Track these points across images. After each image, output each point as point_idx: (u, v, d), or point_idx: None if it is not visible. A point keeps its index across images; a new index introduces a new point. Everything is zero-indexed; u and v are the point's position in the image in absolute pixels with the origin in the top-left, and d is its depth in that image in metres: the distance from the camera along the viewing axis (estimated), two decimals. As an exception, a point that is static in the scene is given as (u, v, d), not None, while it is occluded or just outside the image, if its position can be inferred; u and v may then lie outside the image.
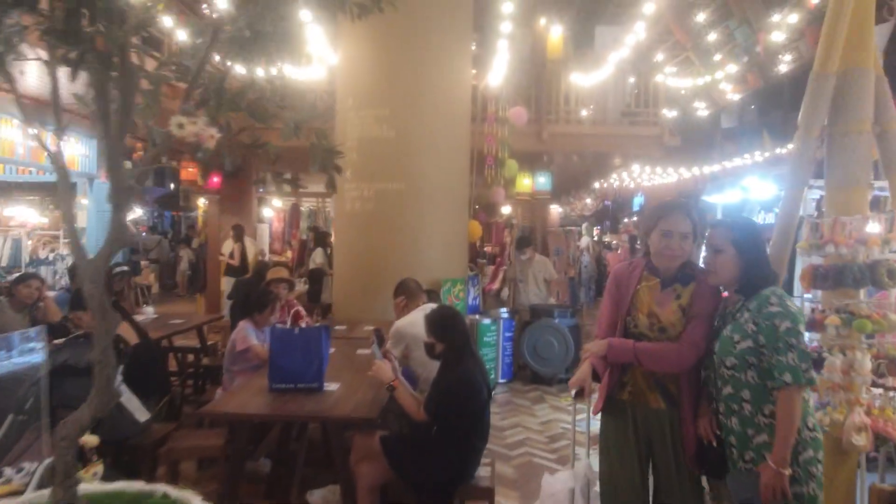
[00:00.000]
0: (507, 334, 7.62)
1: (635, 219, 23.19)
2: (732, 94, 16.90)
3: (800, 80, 12.60)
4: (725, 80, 15.08)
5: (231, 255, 10.40)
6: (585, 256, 13.12)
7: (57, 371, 3.35)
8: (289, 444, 4.14)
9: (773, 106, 16.57)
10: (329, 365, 3.87)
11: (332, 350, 4.74)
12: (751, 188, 4.69)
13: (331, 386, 3.57)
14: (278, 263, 6.77)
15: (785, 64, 14.86)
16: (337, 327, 6.22)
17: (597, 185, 15.18)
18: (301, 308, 5.65)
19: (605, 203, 22.75)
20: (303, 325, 5.55)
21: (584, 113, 10.88)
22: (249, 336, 4.43)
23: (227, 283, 10.44)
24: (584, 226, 13.56)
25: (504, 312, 7.66)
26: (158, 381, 3.70)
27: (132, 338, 3.58)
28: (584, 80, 10.19)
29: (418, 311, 4.35)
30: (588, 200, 15.58)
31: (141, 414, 3.30)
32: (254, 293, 4.64)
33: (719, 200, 5.41)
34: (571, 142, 10.93)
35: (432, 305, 4.42)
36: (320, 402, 3.25)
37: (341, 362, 4.40)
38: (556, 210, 12.71)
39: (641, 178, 20.38)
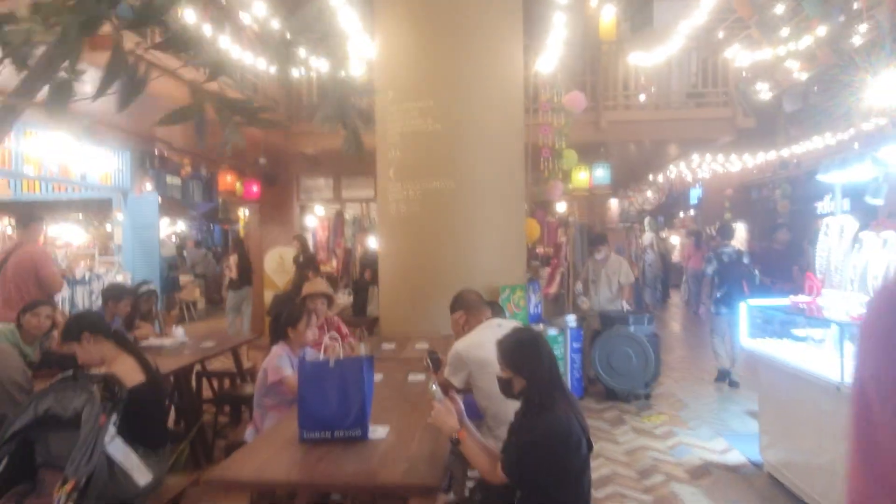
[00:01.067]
0: (576, 345, 6.76)
1: (692, 213, 21.89)
2: (800, 73, 15.56)
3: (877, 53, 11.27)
4: (791, 56, 13.82)
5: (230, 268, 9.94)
6: (649, 254, 12.12)
7: (40, 422, 2.71)
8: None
9: (844, 85, 15.17)
10: (374, 399, 3.14)
11: (378, 377, 4.02)
12: (889, 160, 3.84)
13: (377, 431, 2.81)
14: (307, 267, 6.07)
15: (860, 36, 13.50)
16: (384, 346, 5.50)
17: (660, 176, 14.11)
18: (343, 325, 4.93)
19: (661, 200, 21.51)
20: (347, 344, 4.84)
21: (643, 98, 9.92)
22: (283, 365, 3.73)
23: (231, 298, 9.89)
24: (646, 221, 12.57)
25: (571, 320, 6.81)
26: (160, 431, 3.02)
27: (135, 375, 2.90)
28: (644, 59, 9.23)
29: (482, 328, 3.57)
30: (649, 193, 14.53)
31: (141, 474, 2.61)
32: (286, 309, 3.93)
33: (840, 179, 4.47)
34: (632, 129, 9.99)
35: (499, 322, 3.63)
36: (364, 460, 2.49)
37: (390, 394, 3.65)
38: (615, 205, 11.78)
39: (701, 167, 19.11)
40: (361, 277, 9.03)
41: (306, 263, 9.79)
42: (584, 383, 6.87)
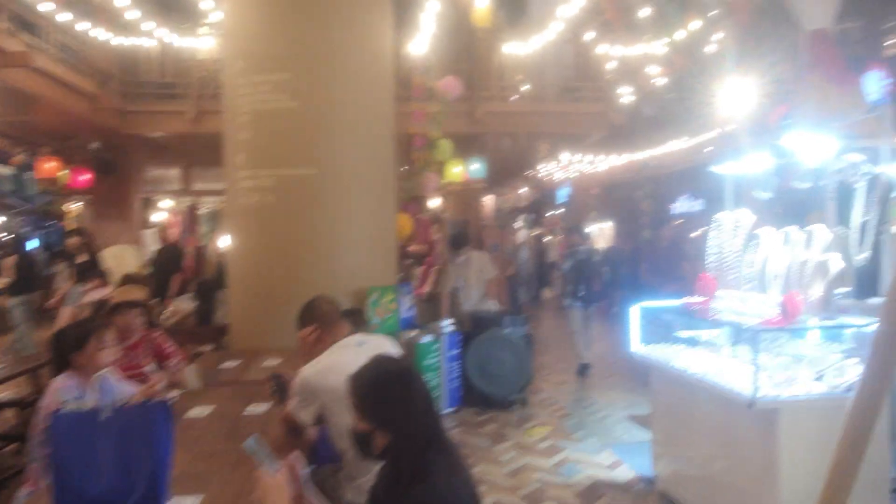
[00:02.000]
0: (453, 352, 6.14)
1: (561, 211, 22.33)
2: (658, 78, 16.15)
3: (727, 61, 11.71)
4: (649, 60, 14.21)
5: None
6: (524, 252, 11.90)
7: None
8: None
9: (697, 93, 15.90)
10: (191, 448, 2.28)
11: (205, 411, 3.13)
12: (794, 147, 3.53)
13: (181, 507, 1.96)
14: (131, 280, 4.98)
15: (714, 43, 14.12)
16: (226, 364, 4.56)
17: (534, 172, 13.99)
18: (168, 342, 3.93)
19: (534, 198, 21.73)
20: (172, 364, 3.86)
21: (525, 88, 9.56)
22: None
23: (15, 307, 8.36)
24: (521, 218, 12.35)
25: (446, 325, 6.18)
26: None
27: None
28: (519, 48, 8.85)
29: (338, 348, 2.80)
30: (523, 190, 14.37)
31: None
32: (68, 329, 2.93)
33: (735, 170, 4.16)
34: (508, 121, 9.62)
35: (360, 339, 2.87)
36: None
37: (215, 438, 2.79)
38: (490, 201, 11.44)
39: (570, 166, 19.47)
40: (206, 279, 7.89)
41: (166, 261, 8.43)
42: (461, 392, 6.27)
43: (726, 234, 4.04)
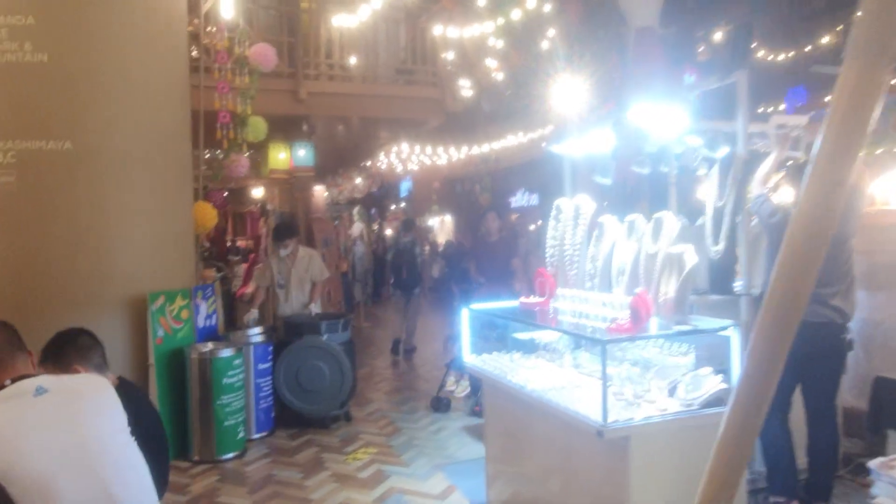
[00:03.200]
0: (263, 366, 5.17)
1: (403, 206, 21.86)
2: (497, 73, 16.09)
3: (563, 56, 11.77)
4: (487, 53, 14.03)
5: None
6: (359, 246, 11.08)
7: None
8: None
9: (532, 89, 16.06)
10: None
11: None
12: (639, 122, 3.05)
13: None
14: None
15: (548, 40, 14.23)
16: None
17: (370, 164, 13.19)
18: None
19: (372, 190, 20.94)
20: None
21: (353, 60, 8.70)
22: None
23: None
24: (355, 210, 11.52)
25: (255, 334, 5.19)
26: None
27: None
28: (348, 21, 7.99)
29: (4, 400, 1.80)
30: (358, 181, 13.53)
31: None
32: None
33: (573, 150, 3.67)
34: (337, 103, 8.71)
35: (39, 385, 1.87)
36: None
37: None
38: (321, 192, 10.49)
39: (411, 159, 18.95)
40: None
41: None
42: (274, 412, 5.32)
43: (566, 223, 3.52)
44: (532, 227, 18.49)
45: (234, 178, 6.31)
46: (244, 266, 9.96)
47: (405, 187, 23.85)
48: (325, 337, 5.29)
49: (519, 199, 22.52)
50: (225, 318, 8.38)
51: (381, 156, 15.55)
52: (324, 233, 10.52)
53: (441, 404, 5.67)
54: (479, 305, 3.72)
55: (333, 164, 12.50)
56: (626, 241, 3.11)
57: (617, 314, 2.78)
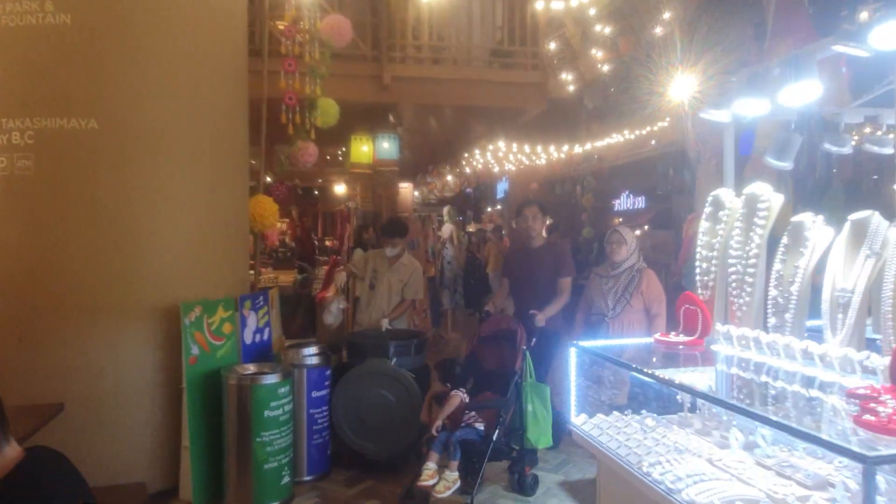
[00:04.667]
0: (318, 393, 4.27)
1: (499, 208, 20.81)
2: (602, 65, 14.65)
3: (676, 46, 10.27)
4: (594, 44, 12.65)
5: None
6: (448, 250, 10.15)
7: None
8: None
9: (641, 81, 14.45)
10: None
11: None
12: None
13: None
14: None
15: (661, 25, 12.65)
16: None
17: (464, 160, 12.22)
18: None
19: (465, 190, 19.99)
20: None
21: (442, 43, 7.75)
22: None
23: None
24: (445, 210, 10.60)
25: (310, 354, 4.29)
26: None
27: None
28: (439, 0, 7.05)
29: None
30: (449, 178, 12.59)
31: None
32: None
33: (743, 112, 2.56)
34: (425, 90, 7.78)
35: None
36: None
37: None
38: (407, 189, 9.66)
39: (507, 157, 17.82)
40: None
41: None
42: (330, 450, 4.40)
43: (731, 225, 2.33)
44: (638, 232, 16.96)
45: (302, 167, 5.48)
46: (325, 269, 9.26)
47: (501, 188, 22.77)
48: (393, 361, 4.31)
49: (623, 203, 20.89)
50: (306, 323, 7.69)
51: (476, 153, 14.56)
52: (411, 234, 9.63)
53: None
54: (588, 343, 2.58)
55: (423, 159, 11.64)
56: (846, 253, 1.89)
57: (855, 382, 1.58)
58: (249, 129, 4.82)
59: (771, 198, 2.17)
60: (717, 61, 10.02)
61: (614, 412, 2.43)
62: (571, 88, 14.92)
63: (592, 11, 13.43)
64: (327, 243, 15.21)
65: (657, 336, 2.41)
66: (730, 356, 2.15)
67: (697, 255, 2.47)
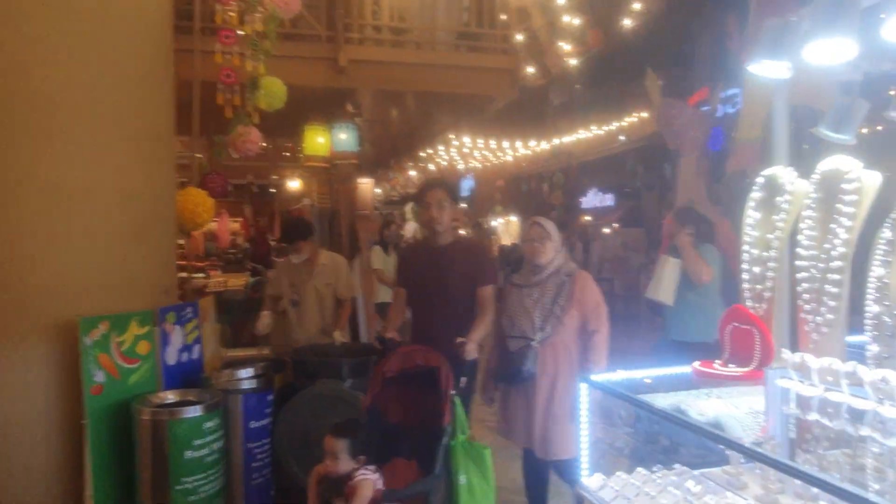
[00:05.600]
0: (258, 423, 3.55)
1: (465, 206, 20.34)
2: (569, 59, 14.13)
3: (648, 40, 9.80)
4: (561, 37, 12.09)
5: None
6: (413, 250, 9.47)
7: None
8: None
9: (609, 75, 13.95)
10: None
11: None
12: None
13: None
14: None
15: (631, 17, 12.14)
16: None
17: (425, 153, 11.56)
18: None
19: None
20: None
21: (403, 24, 7.09)
22: None
23: None
24: (408, 207, 9.89)
25: (247, 377, 3.58)
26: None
27: None
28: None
29: None
30: (413, 173, 11.91)
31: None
32: None
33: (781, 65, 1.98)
34: (385, 74, 7.08)
35: None
36: None
37: None
38: (368, 185, 8.96)
39: (473, 154, 17.24)
40: None
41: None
42: (274, 490, 3.68)
43: (791, 214, 1.73)
44: (607, 230, 16.49)
45: (244, 156, 4.74)
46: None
47: (466, 186, 22.25)
48: (347, 382, 3.62)
49: (591, 200, 20.52)
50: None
51: (441, 148, 13.94)
52: (371, 233, 8.94)
53: None
54: (605, 377, 1.93)
55: (384, 153, 10.94)
56: None
57: None
58: (180, 116, 4.12)
59: (861, 175, 1.57)
60: (699, 49, 9.50)
61: (638, 469, 1.80)
62: (538, 83, 14.34)
63: (561, 1, 12.80)
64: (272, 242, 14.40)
65: (697, 365, 1.79)
66: (806, 397, 1.53)
67: (745, 256, 1.85)
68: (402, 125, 9.45)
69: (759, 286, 1.80)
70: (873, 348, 1.48)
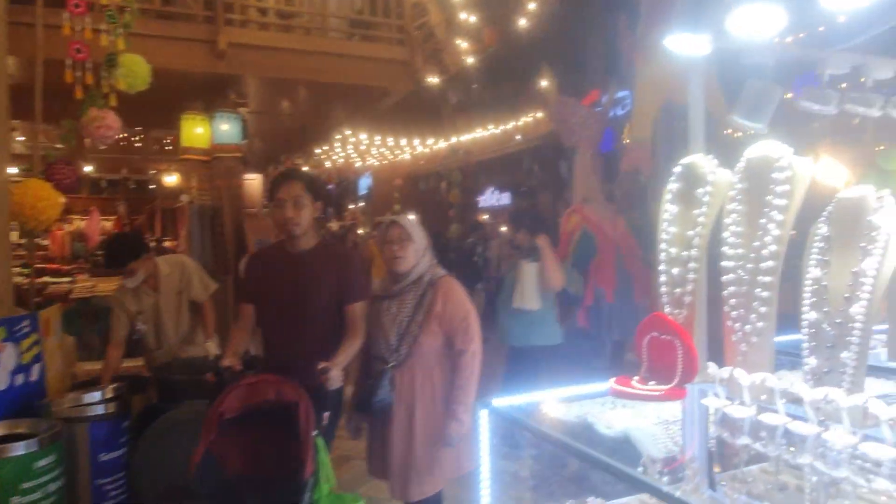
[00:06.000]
0: (109, 456, 3.03)
1: (362, 205, 19.85)
2: (467, 57, 14.06)
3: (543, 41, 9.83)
4: (458, 34, 11.96)
5: None
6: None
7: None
8: None
9: (506, 75, 14.00)
10: None
11: None
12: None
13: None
14: None
15: (527, 17, 12.20)
16: None
17: (320, 150, 11.01)
18: None
19: (327, 186, 18.77)
20: None
21: (292, 7, 6.61)
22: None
23: None
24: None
25: (97, 400, 3.05)
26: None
27: None
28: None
29: None
30: (305, 169, 11.35)
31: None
32: None
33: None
34: (273, 62, 6.57)
35: None
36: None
37: None
38: (255, 182, 8.32)
39: (370, 151, 16.87)
40: None
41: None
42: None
43: (712, 206, 1.53)
44: (504, 228, 16.60)
45: (98, 142, 4.13)
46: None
47: (364, 184, 21.80)
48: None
49: (488, 199, 20.64)
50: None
51: (337, 144, 13.43)
52: (260, 233, 8.35)
53: None
54: (505, 401, 1.64)
55: (275, 147, 10.32)
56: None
57: None
58: (21, 98, 3.52)
59: (793, 162, 1.38)
60: (588, 50, 9.60)
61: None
62: (436, 80, 14.05)
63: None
64: (167, 244, 13.34)
65: (614, 383, 1.54)
66: (736, 419, 1.32)
67: (662, 256, 1.64)
68: (294, 118, 8.91)
69: (678, 290, 1.59)
70: (811, 361, 1.28)
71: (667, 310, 1.61)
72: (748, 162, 1.47)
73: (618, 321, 7.55)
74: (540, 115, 14.07)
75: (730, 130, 2.32)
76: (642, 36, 8.17)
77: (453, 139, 16.74)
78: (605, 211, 7.23)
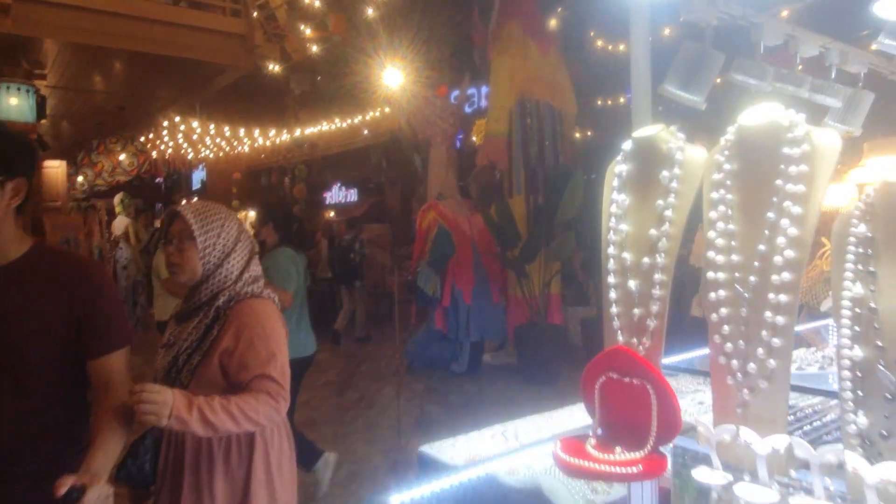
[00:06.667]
0: None
1: (196, 200, 18.20)
2: (311, 44, 13.24)
3: (393, 29, 9.50)
4: (302, 19, 11.17)
5: None
6: (123, 250, 7.61)
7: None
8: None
9: (353, 67, 13.43)
10: None
11: None
12: None
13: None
14: None
15: (374, 5, 11.67)
16: None
17: (144, 137, 9.64)
18: None
19: (155, 180, 16.96)
20: None
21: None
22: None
23: None
24: (118, 198, 7.93)
25: None
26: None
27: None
28: None
29: None
30: (123, 157, 9.90)
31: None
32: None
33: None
34: (79, 24, 5.42)
35: None
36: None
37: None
38: (58, 170, 6.96)
39: (204, 141, 15.54)
40: None
41: None
42: None
43: (692, 194, 1.10)
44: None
45: None
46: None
47: (198, 178, 20.10)
48: None
49: (335, 195, 19.86)
50: None
51: (165, 134, 11.98)
52: (64, 230, 7.05)
53: None
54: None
55: (87, 131, 8.84)
56: None
57: None
58: None
59: (812, 133, 0.98)
60: (440, 43, 9.23)
61: None
62: (278, 69, 12.95)
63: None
64: None
65: (561, 452, 1.06)
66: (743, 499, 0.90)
67: (611, 265, 1.19)
68: (109, 96, 7.62)
69: (638, 310, 1.14)
70: (860, 420, 0.89)
71: (621, 339, 1.17)
72: (740, 133, 1.06)
73: (476, 322, 7.31)
74: (388, 109, 13.64)
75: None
76: (497, 28, 8.03)
77: (297, 132, 15.82)
78: (461, 207, 6.93)
